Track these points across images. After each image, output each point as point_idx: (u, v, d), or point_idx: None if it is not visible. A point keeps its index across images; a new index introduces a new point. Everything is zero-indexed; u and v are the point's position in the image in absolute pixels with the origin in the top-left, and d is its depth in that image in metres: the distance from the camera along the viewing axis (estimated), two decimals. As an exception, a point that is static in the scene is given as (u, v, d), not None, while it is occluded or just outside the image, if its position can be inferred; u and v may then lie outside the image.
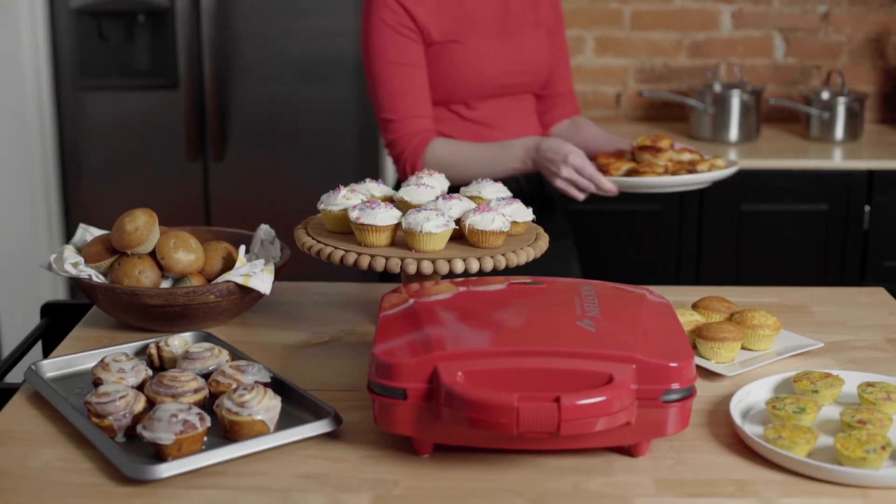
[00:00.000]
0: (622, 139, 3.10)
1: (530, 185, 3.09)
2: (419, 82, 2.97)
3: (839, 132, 4.30)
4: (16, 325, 4.67)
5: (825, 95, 4.34)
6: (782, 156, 4.08)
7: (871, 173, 4.01)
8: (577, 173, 2.74)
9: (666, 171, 2.81)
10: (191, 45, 4.61)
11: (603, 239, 4.08)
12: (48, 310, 2.51)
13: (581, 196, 2.79)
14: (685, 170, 2.84)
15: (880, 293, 2.61)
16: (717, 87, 4.38)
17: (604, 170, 2.86)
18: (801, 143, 4.32)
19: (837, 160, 4.08)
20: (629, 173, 2.83)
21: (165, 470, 1.70)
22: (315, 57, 4.71)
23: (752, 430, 1.86)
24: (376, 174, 4.72)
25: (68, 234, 4.81)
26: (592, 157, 2.97)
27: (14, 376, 2.19)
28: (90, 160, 4.76)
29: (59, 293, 4.73)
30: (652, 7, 4.57)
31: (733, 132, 4.26)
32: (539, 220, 2.56)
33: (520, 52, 3.06)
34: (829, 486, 1.71)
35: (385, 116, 2.97)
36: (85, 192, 4.79)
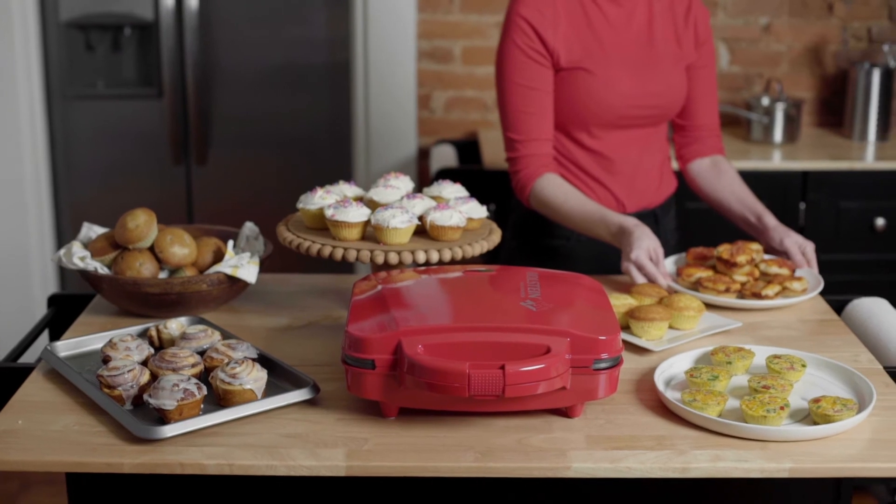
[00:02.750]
0: (756, 200, 3.01)
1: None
2: (544, 106, 2.92)
3: (778, 136, 4.49)
4: (10, 318, 4.79)
5: (765, 101, 4.52)
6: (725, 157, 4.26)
7: (805, 174, 4.20)
8: (636, 268, 2.63)
9: (729, 290, 2.61)
10: (174, 56, 4.73)
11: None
12: (54, 300, 2.69)
13: (639, 280, 2.63)
14: (751, 292, 2.63)
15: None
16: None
17: (679, 271, 2.73)
18: (742, 145, 4.50)
19: (776, 161, 4.26)
20: (698, 282, 2.67)
21: (169, 431, 1.92)
22: (291, 65, 4.84)
23: (672, 395, 2.11)
24: (349, 176, 4.86)
25: (59, 234, 4.91)
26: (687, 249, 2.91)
27: (22, 360, 2.40)
28: (79, 165, 4.86)
29: (50, 288, 4.83)
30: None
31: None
32: None
33: (651, 85, 2.96)
34: (735, 440, 1.96)
35: (509, 135, 2.94)
36: (75, 195, 4.89)
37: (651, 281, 2.63)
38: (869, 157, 4.32)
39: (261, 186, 4.95)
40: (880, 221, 4.21)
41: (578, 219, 2.83)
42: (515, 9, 2.92)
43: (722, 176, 3.10)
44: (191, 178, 4.91)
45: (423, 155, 4.84)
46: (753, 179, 4.16)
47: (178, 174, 4.90)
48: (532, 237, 3.09)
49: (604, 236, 2.78)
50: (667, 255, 3.05)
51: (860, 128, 4.54)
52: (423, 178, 4.82)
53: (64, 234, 4.90)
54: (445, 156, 4.46)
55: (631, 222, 2.70)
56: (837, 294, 2.76)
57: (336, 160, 4.94)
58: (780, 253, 2.85)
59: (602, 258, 3.00)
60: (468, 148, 4.65)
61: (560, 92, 2.93)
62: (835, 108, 4.85)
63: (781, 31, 4.78)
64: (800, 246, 2.82)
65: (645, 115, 3.01)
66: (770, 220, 2.92)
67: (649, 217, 3.10)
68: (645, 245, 2.64)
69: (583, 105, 2.93)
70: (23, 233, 4.74)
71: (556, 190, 2.89)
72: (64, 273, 4.92)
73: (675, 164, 3.35)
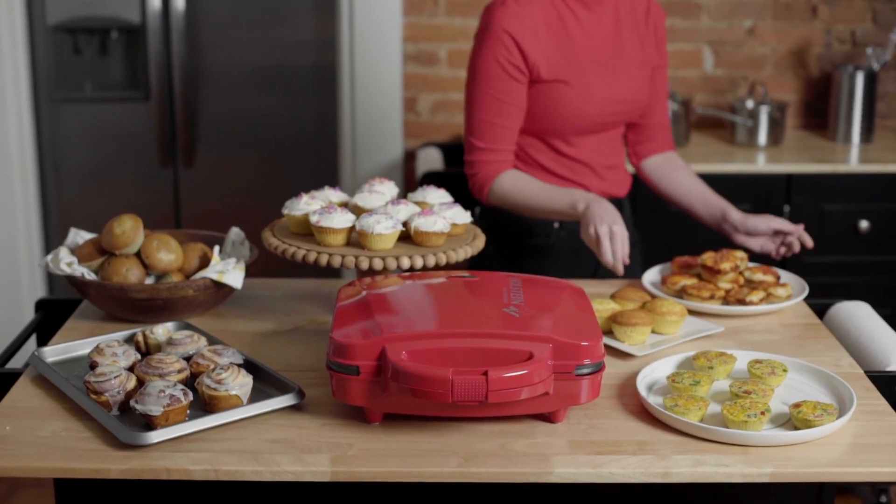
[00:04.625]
0: (713, 194, 3.05)
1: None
2: (513, 119, 2.93)
3: (762, 138, 4.50)
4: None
5: (749, 104, 4.52)
6: (709, 160, 4.27)
7: (789, 176, 4.21)
8: (610, 239, 2.63)
9: (713, 297, 2.62)
10: (161, 59, 4.73)
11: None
12: (41, 305, 2.69)
13: (607, 258, 2.62)
14: (735, 298, 2.64)
15: (780, 284, 2.88)
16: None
17: (664, 280, 2.73)
18: (727, 148, 4.51)
19: (760, 164, 4.26)
20: (682, 289, 2.67)
21: (155, 437, 1.93)
22: (278, 67, 4.85)
23: (654, 400, 2.13)
24: (335, 179, 4.88)
25: (47, 239, 4.90)
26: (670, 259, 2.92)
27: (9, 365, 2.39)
28: (67, 168, 4.86)
29: (39, 292, 4.84)
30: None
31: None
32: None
33: (623, 90, 3.00)
34: (716, 444, 1.98)
35: (472, 140, 2.95)
36: (62, 198, 4.89)
37: (611, 254, 2.63)
38: (853, 160, 4.33)
39: (248, 188, 4.96)
40: (864, 224, 4.23)
41: (541, 199, 2.88)
42: (497, 21, 2.90)
43: (677, 170, 3.16)
44: (178, 180, 4.92)
45: (410, 158, 4.85)
46: (737, 182, 4.20)
47: (166, 177, 4.90)
48: (509, 238, 3.11)
49: (564, 210, 2.81)
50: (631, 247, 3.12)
51: (844, 130, 4.56)
52: (410, 181, 4.83)
53: (52, 237, 4.90)
54: (431, 159, 4.48)
55: (594, 194, 2.78)
56: (820, 297, 2.78)
57: (322, 162, 4.95)
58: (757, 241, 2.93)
59: (581, 252, 3.02)
60: (454, 151, 4.65)
61: (538, 103, 2.95)
62: (819, 110, 4.86)
63: (765, 33, 4.80)
64: (771, 228, 2.92)
65: (616, 120, 3.06)
66: (735, 215, 2.97)
67: (615, 205, 3.13)
68: (617, 218, 2.67)
69: (561, 116, 2.95)
70: (10, 236, 4.75)
71: (518, 181, 2.93)
72: (52, 277, 4.93)
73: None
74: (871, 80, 4.52)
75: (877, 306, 2.77)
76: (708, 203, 3.06)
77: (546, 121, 2.96)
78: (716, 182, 4.14)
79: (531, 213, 2.92)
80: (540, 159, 3.02)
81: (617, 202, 3.14)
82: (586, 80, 2.94)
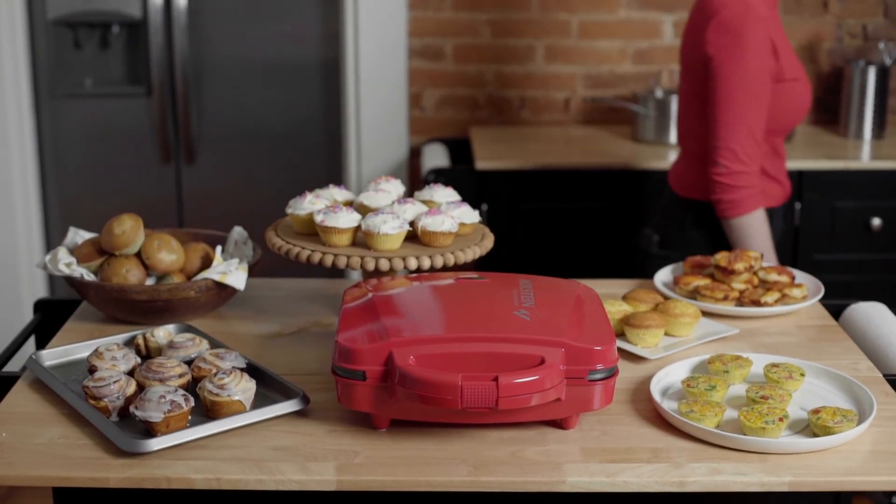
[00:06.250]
0: None
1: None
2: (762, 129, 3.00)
3: (772, 134, 4.46)
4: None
5: (760, 100, 4.50)
6: (720, 157, 4.24)
7: (800, 173, 4.16)
8: None
9: (727, 298, 2.57)
10: (163, 54, 4.70)
11: (553, 236, 4.25)
12: (40, 306, 2.65)
13: None
14: (750, 299, 2.59)
15: (795, 284, 2.83)
16: (659, 93, 4.54)
17: (676, 280, 2.69)
18: (737, 144, 4.48)
19: (771, 160, 4.24)
20: (696, 290, 2.63)
21: (156, 444, 1.89)
22: (281, 62, 4.82)
23: (669, 405, 2.08)
24: (339, 175, 4.85)
25: (48, 235, 4.88)
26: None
27: (7, 367, 2.35)
28: (68, 164, 4.84)
29: (39, 291, 4.81)
30: (598, 18, 4.72)
31: (674, 135, 4.39)
32: None
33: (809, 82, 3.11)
34: (733, 452, 1.94)
35: (736, 149, 2.95)
36: (63, 194, 4.87)
37: None
38: (864, 156, 4.30)
39: (251, 184, 4.94)
40: (876, 221, 4.19)
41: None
42: (755, 25, 2.92)
43: None
44: (180, 177, 4.89)
45: (415, 154, 4.81)
46: (748, 179, 4.15)
47: (167, 173, 4.88)
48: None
49: None
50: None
51: (856, 126, 4.52)
52: (415, 177, 4.79)
53: (52, 234, 4.88)
54: (437, 155, 4.45)
55: None
56: (833, 295, 2.75)
57: (327, 158, 4.93)
58: None
59: None
60: (460, 146, 4.63)
61: (776, 102, 2.98)
62: (830, 106, 4.82)
63: (776, 28, 4.72)
64: None
65: None
66: None
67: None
68: None
69: (795, 112, 3.04)
70: (10, 234, 4.72)
71: (761, 224, 3.03)
72: (52, 276, 4.88)
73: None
74: (883, 75, 4.47)
75: (889, 304, 2.72)
76: None
77: (779, 119, 3.02)
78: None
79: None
80: (761, 161, 3.06)
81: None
82: (804, 75, 3.03)
